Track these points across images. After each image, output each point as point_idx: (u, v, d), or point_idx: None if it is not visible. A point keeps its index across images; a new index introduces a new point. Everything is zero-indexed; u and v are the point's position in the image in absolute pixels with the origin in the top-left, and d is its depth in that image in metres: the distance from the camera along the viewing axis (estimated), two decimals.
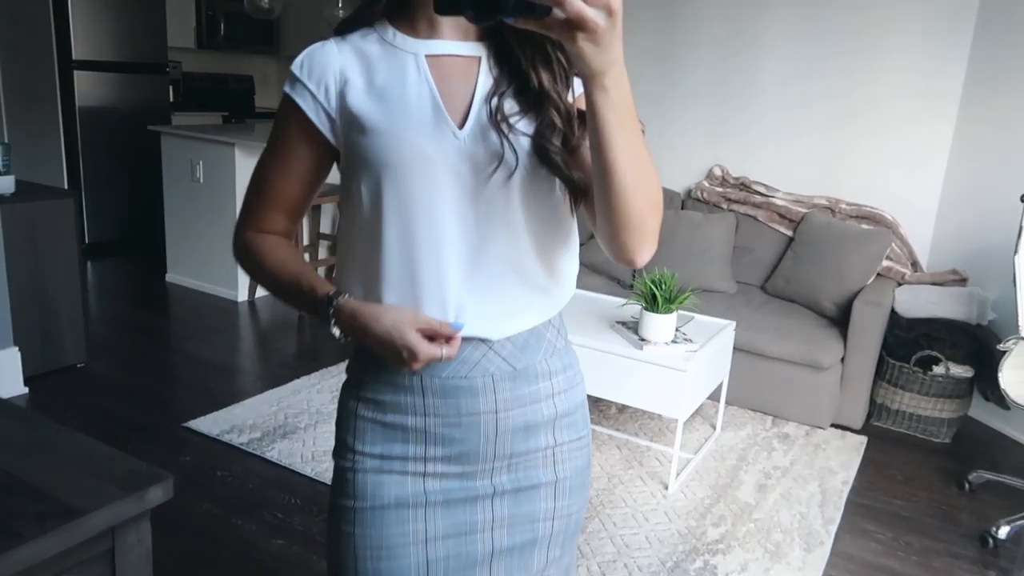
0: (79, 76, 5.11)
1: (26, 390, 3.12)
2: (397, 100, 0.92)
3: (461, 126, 0.92)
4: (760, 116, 4.08)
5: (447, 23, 0.94)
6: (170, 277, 4.79)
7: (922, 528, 2.62)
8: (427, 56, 0.94)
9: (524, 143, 0.92)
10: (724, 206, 4.05)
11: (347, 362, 1.10)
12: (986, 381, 3.19)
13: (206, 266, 4.60)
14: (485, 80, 0.94)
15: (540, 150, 0.92)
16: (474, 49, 0.96)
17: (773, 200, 3.93)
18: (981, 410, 3.45)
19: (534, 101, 0.92)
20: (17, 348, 3.10)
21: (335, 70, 0.94)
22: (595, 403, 3.31)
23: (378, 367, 1.01)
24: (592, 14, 0.68)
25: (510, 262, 0.97)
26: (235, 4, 6.03)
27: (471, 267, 0.95)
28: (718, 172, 4.17)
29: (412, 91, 0.92)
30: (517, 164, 0.92)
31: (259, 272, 1.04)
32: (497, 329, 0.99)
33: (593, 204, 0.90)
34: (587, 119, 0.80)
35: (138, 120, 5.31)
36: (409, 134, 0.91)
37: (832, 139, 3.90)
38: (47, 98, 5.18)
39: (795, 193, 3.96)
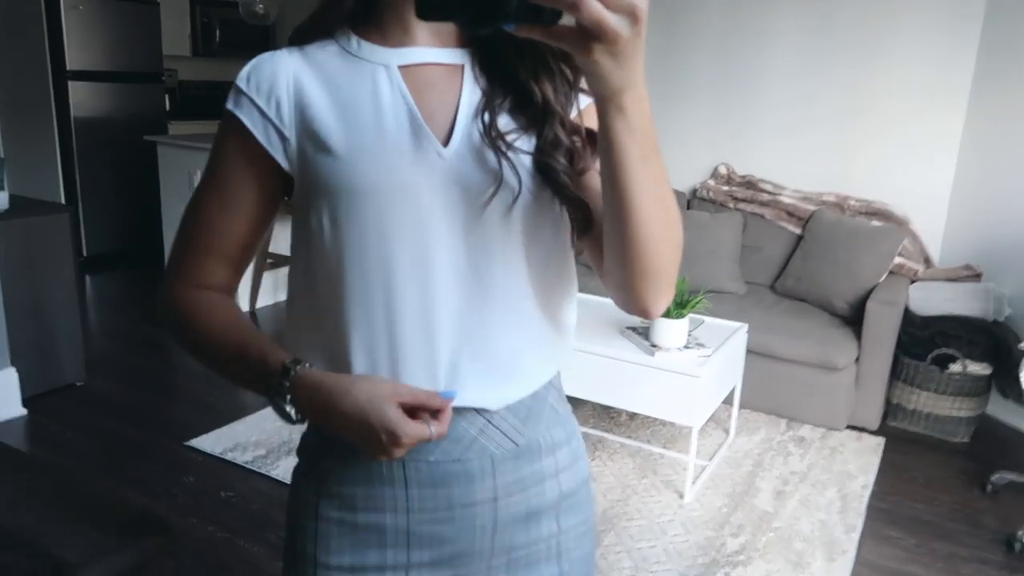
0: (74, 87, 5.05)
1: (24, 412, 3.05)
2: (367, 117, 0.78)
3: (446, 145, 0.78)
4: (765, 112, 4.01)
5: (423, 27, 0.81)
6: None
7: (946, 533, 2.55)
8: (400, 67, 0.80)
9: (527, 164, 0.78)
10: (731, 205, 3.99)
11: (299, 440, 0.91)
12: (1004, 378, 3.12)
13: None
14: (471, 91, 0.80)
15: (544, 168, 0.78)
16: (455, 56, 0.81)
17: (780, 198, 3.87)
18: (999, 408, 3.38)
19: (533, 117, 0.78)
20: (14, 368, 3.03)
21: (289, 81, 0.80)
22: (605, 410, 3.25)
23: (345, 451, 0.84)
24: (613, 21, 0.55)
25: (512, 311, 0.81)
26: (230, 10, 5.96)
27: (466, 318, 0.79)
28: (723, 171, 4.10)
29: (385, 106, 0.78)
30: (520, 189, 0.77)
31: (194, 340, 0.85)
32: (498, 396, 0.83)
33: (599, 244, 0.77)
34: (600, 147, 0.66)
35: (134, 130, 5.24)
36: (383, 154, 0.77)
37: (839, 134, 3.84)
38: (42, 110, 5.11)
39: (803, 190, 3.89)
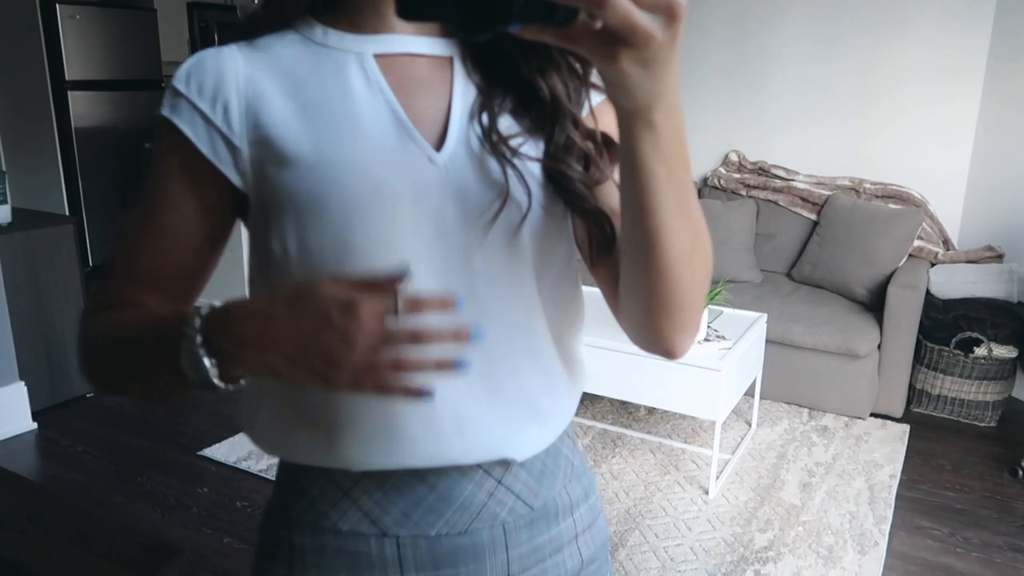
0: (73, 96, 5.01)
1: (34, 425, 3.02)
2: (339, 116, 0.64)
3: (438, 149, 0.65)
4: (776, 97, 3.93)
5: None
6: None
7: (979, 521, 2.48)
8: (376, 56, 0.67)
9: (536, 172, 0.66)
10: (743, 192, 3.92)
11: (265, 509, 0.78)
12: None
13: (215, 282, 4.47)
14: (464, 89, 0.68)
15: (557, 177, 0.66)
16: (442, 47, 0.69)
17: (794, 183, 3.80)
18: None
19: (540, 118, 0.67)
20: (23, 382, 2.99)
21: (238, 80, 0.66)
22: (623, 405, 3.19)
23: (316, 522, 0.70)
24: (645, 21, 0.45)
25: (522, 348, 0.69)
26: (229, 14, 5.92)
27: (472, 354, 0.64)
28: (734, 158, 4.03)
29: (361, 104, 0.65)
30: (530, 202, 0.65)
31: (104, 350, 0.67)
32: (522, 441, 0.70)
33: (614, 270, 0.65)
34: (623, 168, 0.56)
35: (136, 138, 5.21)
36: (359, 162, 0.63)
37: (853, 118, 3.76)
38: (42, 121, 5.08)
39: (816, 175, 3.82)
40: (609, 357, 2.59)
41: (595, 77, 0.69)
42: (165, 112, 0.67)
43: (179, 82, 0.67)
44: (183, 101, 0.67)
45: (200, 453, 2.84)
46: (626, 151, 0.54)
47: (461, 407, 0.67)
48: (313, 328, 0.53)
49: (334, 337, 0.52)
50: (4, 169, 3.71)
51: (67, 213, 5.05)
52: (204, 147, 0.66)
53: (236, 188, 0.68)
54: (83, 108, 5.08)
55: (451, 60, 0.69)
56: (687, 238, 0.58)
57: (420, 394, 0.53)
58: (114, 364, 0.67)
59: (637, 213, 0.56)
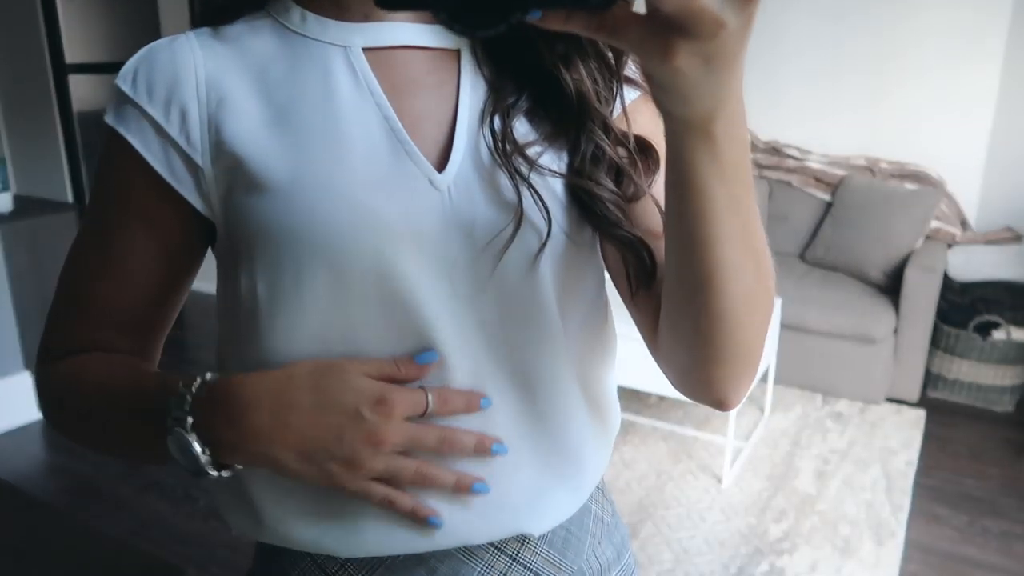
0: (75, 80, 4.96)
1: (41, 416, 3.00)
2: (321, 128, 0.53)
3: (441, 169, 0.54)
4: (788, 74, 3.84)
5: None
6: None
7: (998, 509, 2.44)
8: (366, 50, 0.56)
9: (559, 191, 0.55)
10: (755, 173, 3.84)
11: None
12: None
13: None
14: (473, 87, 0.57)
15: (583, 196, 0.55)
16: (447, 37, 0.57)
17: (807, 164, 3.72)
18: None
19: (563, 122, 0.56)
20: (29, 372, 2.97)
21: (197, 81, 0.54)
22: (634, 393, 3.15)
23: None
24: (713, 4, 0.34)
25: (543, 402, 0.58)
26: None
27: (480, 417, 0.55)
28: None
29: (347, 111, 0.54)
30: (550, 229, 0.54)
31: (76, 404, 0.59)
32: (531, 522, 0.59)
33: (654, 304, 0.55)
34: (671, 189, 0.45)
35: None
36: (346, 185, 0.52)
37: (867, 94, 3.67)
38: (43, 105, 5.03)
39: (830, 155, 3.74)
40: (619, 344, 2.54)
41: (631, 70, 0.59)
42: (110, 120, 0.56)
43: (123, 82, 0.56)
44: (130, 108, 0.55)
45: None
46: (678, 170, 0.43)
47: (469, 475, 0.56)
48: (339, 424, 0.47)
49: (361, 437, 0.47)
50: (4, 155, 3.67)
51: (71, 199, 5.01)
52: (159, 165, 0.55)
53: (199, 213, 0.57)
54: (85, 92, 5.03)
55: (458, 53, 0.57)
56: (750, 274, 0.47)
57: (426, 523, 0.49)
58: (88, 432, 0.60)
59: (690, 246, 0.46)
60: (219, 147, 0.54)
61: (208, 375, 0.52)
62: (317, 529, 0.57)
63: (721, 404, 0.54)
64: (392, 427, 0.48)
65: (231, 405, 0.50)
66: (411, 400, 0.49)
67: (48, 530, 0.92)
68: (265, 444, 0.49)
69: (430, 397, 0.51)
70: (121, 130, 0.55)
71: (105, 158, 0.58)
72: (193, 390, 0.51)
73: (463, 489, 0.50)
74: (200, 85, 0.54)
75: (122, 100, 0.56)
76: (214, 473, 0.52)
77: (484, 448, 0.52)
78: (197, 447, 0.50)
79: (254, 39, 0.56)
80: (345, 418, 0.47)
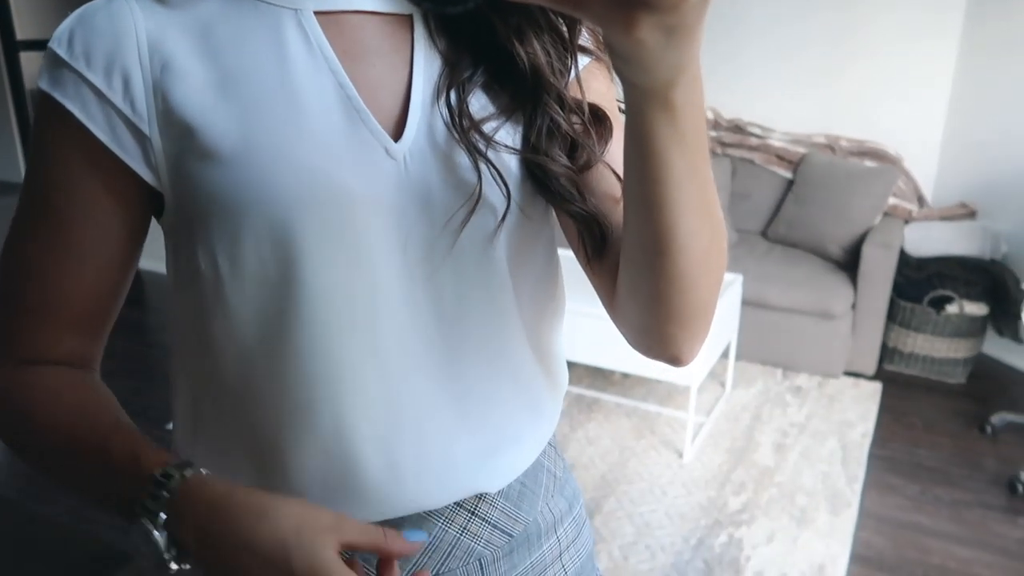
0: (26, 57, 4.81)
1: None
2: (273, 93, 0.52)
3: (397, 138, 0.54)
4: (751, 53, 3.86)
5: None
6: (143, 263, 4.57)
7: (949, 479, 2.52)
8: (318, 14, 0.54)
9: (514, 167, 0.56)
10: (718, 151, 3.87)
11: None
12: (1001, 317, 3.08)
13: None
14: (427, 58, 0.56)
15: (537, 170, 0.55)
16: (399, 4, 0.56)
17: (770, 141, 3.76)
18: (995, 346, 3.34)
19: (518, 94, 0.56)
20: None
21: (139, 43, 0.51)
22: (598, 370, 3.18)
23: None
24: None
25: (496, 367, 0.60)
26: None
27: (439, 380, 0.58)
28: (709, 115, 3.97)
29: (300, 77, 0.52)
30: (509, 204, 0.55)
31: (24, 438, 0.58)
32: (487, 482, 0.62)
33: (611, 269, 0.57)
34: (631, 156, 0.46)
35: None
36: (303, 152, 0.51)
37: (827, 69, 3.70)
38: None
39: (792, 132, 3.77)
40: (584, 322, 2.56)
41: (584, 39, 0.59)
42: (44, 85, 0.52)
43: (58, 45, 0.52)
44: (67, 72, 0.51)
45: (168, 427, 2.79)
46: (637, 137, 0.44)
47: (428, 446, 0.58)
48: None
49: None
50: None
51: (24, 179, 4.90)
52: (103, 135, 0.52)
53: (145, 184, 0.54)
54: (36, 69, 4.88)
55: (411, 20, 0.56)
56: (706, 236, 0.48)
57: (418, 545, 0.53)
58: (35, 458, 0.58)
59: (648, 211, 0.47)
60: (167, 115, 0.52)
61: (183, 472, 0.51)
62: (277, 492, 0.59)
63: (676, 360, 0.57)
64: None
65: (201, 525, 0.50)
66: None
67: None
68: (218, 568, 0.49)
69: None
70: (58, 96, 0.52)
71: (40, 130, 0.54)
72: (171, 486, 0.50)
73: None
74: (142, 48, 0.52)
75: (58, 64, 0.52)
76: (174, 567, 0.51)
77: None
78: (162, 544, 0.50)
79: (200, 3, 0.54)
80: None
